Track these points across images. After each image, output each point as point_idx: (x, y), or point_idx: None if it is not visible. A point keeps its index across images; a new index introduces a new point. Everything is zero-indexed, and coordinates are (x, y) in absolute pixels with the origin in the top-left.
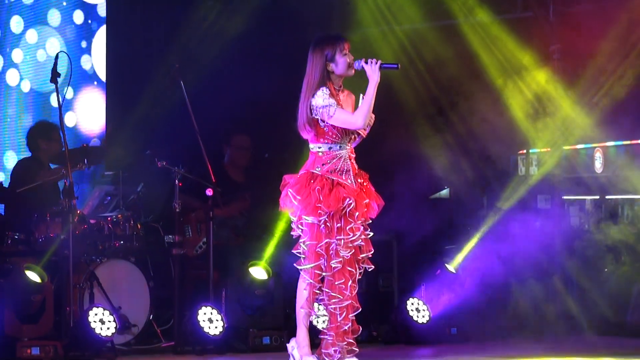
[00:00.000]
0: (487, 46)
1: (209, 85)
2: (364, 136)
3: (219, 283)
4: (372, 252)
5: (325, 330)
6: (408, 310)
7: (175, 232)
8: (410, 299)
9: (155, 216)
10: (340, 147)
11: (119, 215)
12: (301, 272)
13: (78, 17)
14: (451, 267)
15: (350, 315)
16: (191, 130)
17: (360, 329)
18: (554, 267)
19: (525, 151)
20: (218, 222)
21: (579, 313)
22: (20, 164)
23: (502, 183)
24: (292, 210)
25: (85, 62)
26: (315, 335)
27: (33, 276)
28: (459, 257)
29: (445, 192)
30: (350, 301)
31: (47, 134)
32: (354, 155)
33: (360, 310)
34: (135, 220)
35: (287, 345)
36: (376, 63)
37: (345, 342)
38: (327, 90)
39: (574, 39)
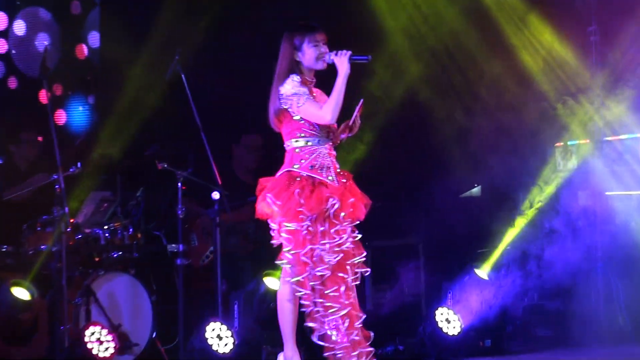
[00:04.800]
0: (518, 28)
1: (217, 79)
2: (342, 139)
3: (229, 296)
4: (364, 254)
5: (333, 347)
6: (437, 321)
7: (179, 240)
8: (440, 308)
9: (157, 223)
10: (318, 141)
11: (117, 224)
12: (285, 284)
13: (75, 6)
14: (482, 272)
15: (356, 323)
16: (195, 127)
17: (372, 335)
18: (596, 272)
19: (562, 143)
20: (226, 228)
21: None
22: None
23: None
24: (271, 216)
25: (80, 53)
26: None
27: (21, 293)
28: (490, 262)
29: (476, 191)
30: (348, 308)
31: (13, 136)
32: (334, 154)
33: (364, 317)
34: (134, 228)
35: None
36: (345, 54)
37: (357, 352)
38: (299, 77)
39: (612, 21)
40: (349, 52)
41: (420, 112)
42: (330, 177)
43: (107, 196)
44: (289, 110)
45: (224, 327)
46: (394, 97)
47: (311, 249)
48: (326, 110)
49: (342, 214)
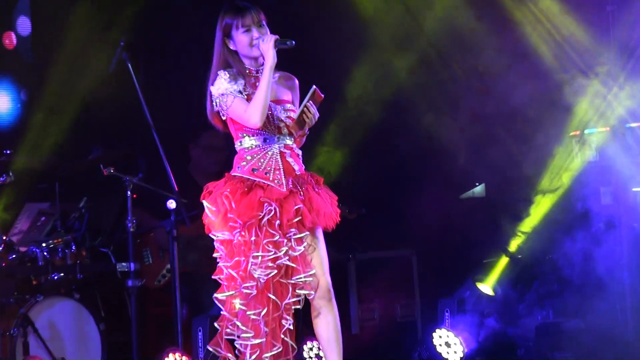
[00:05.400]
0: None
1: (171, 69)
2: (300, 135)
3: (190, 321)
4: (311, 272)
5: None
6: (435, 346)
7: (130, 258)
8: (438, 330)
9: (104, 239)
10: (265, 140)
11: (57, 240)
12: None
13: None
14: (486, 287)
15: (266, 355)
16: (146, 126)
17: None
18: (622, 282)
19: (579, 132)
20: (185, 242)
21: None
22: None
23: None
24: (212, 225)
25: (8, 41)
26: None
27: None
28: (496, 273)
29: (479, 190)
30: (263, 339)
31: None
32: (290, 152)
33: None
34: (77, 245)
35: None
36: (270, 40)
37: None
38: (227, 73)
39: None
40: (274, 37)
41: (407, 105)
42: (276, 181)
43: (45, 208)
44: (220, 112)
45: (185, 358)
46: (378, 94)
47: (238, 262)
48: (250, 111)
49: (277, 222)
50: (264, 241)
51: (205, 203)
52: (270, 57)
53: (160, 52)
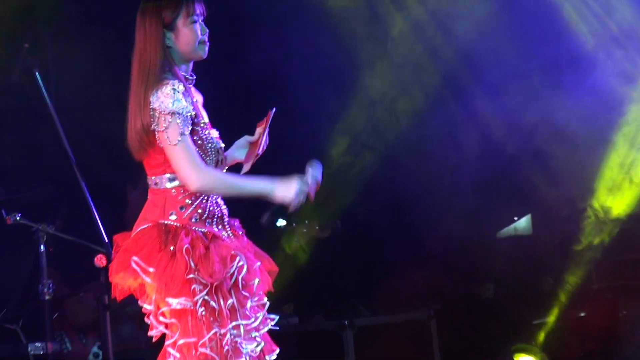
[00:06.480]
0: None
1: (98, 80)
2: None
3: None
4: (277, 352)
5: None
6: None
7: (46, 336)
8: None
9: (11, 312)
10: None
11: None
12: None
13: None
14: (529, 359)
15: None
16: (65, 159)
17: None
18: None
19: None
20: (114, 311)
21: None
22: None
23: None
24: (141, 292)
25: None
26: None
27: None
28: (545, 341)
29: (524, 226)
30: None
31: None
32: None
33: None
34: None
35: None
36: (307, 191)
37: None
38: (181, 84)
39: None
40: (312, 191)
41: (416, 118)
42: (224, 233)
43: None
44: (158, 133)
45: None
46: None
47: (216, 335)
48: (206, 177)
49: (257, 280)
50: (247, 305)
51: (135, 260)
52: (282, 199)
53: (82, 57)
